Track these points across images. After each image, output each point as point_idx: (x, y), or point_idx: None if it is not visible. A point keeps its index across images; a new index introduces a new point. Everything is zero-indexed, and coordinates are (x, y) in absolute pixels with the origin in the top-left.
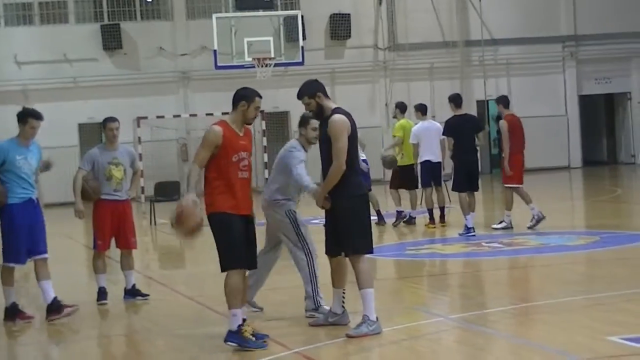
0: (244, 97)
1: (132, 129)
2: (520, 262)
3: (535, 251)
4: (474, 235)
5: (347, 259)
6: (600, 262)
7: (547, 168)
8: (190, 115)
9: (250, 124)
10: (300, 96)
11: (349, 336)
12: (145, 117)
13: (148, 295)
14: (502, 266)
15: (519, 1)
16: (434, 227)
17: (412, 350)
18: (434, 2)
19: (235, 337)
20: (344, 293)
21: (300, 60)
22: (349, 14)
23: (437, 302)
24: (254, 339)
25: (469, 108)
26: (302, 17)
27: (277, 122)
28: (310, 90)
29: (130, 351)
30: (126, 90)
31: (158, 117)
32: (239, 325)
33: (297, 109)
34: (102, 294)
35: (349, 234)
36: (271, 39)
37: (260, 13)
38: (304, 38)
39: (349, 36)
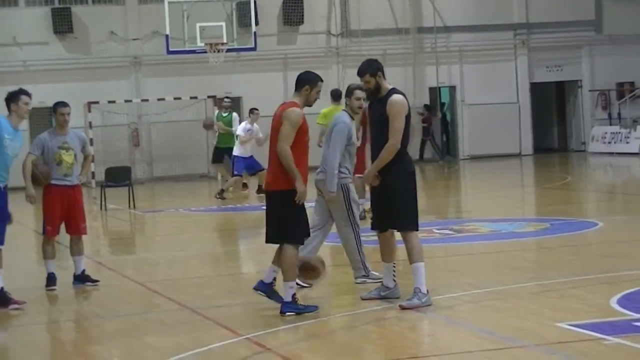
0: (308, 81)
1: (83, 114)
2: (470, 249)
3: (486, 238)
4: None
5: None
6: (549, 249)
7: (499, 155)
8: (142, 100)
9: (311, 106)
10: (361, 74)
11: (402, 307)
12: (97, 102)
13: (98, 281)
14: (453, 253)
15: None
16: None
17: (362, 336)
18: None
19: (292, 306)
20: (394, 267)
21: (253, 45)
22: (302, 0)
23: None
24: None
25: (421, 95)
26: (254, 2)
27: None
28: (372, 69)
29: (80, 337)
30: (77, 74)
31: (109, 102)
32: (293, 295)
33: (249, 94)
34: (51, 279)
35: (404, 210)
36: (224, 24)
37: None
38: (256, 23)
39: (302, 22)
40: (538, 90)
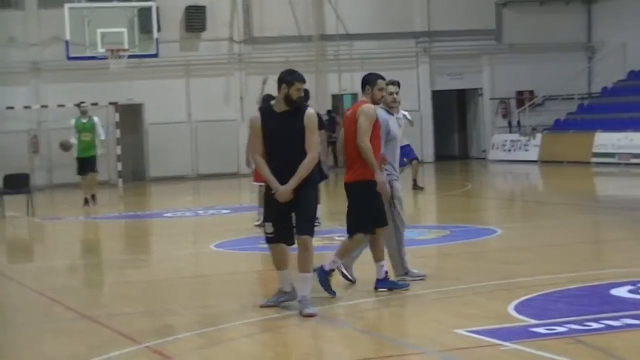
0: (367, 82)
1: None
2: (370, 256)
3: None
4: (319, 224)
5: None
6: (450, 256)
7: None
8: (42, 106)
9: (378, 104)
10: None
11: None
12: None
13: None
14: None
15: None
16: None
17: (264, 344)
18: None
19: (385, 283)
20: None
21: (155, 52)
22: (204, 6)
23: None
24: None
25: (324, 102)
26: (156, 8)
27: (131, 114)
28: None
29: None
30: None
31: (8, 107)
32: (386, 272)
33: (151, 101)
34: None
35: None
36: (125, 30)
37: (114, 4)
38: (158, 30)
39: (205, 28)
40: (439, 98)
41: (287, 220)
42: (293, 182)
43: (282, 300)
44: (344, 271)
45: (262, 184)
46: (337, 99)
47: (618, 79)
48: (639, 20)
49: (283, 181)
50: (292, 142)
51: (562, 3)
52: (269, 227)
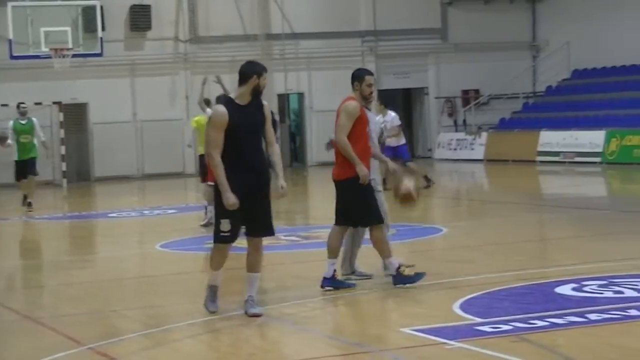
0: (356, 77)
1: None
2: (317, 256)
3: None
4: None
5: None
6: (396, 255)
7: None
8: None
9: (368, 100)
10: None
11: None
12: None
13: None
14: (300, 259)
15: None
16: None
17: (208, 344)
18: None
19: (402, 279)
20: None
21: (99, 51)
22: (149, 5)
23: (235, 296)
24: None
25: (270, 102)
26: (101, 7)
27: (75, 113)
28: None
29: None
30: None
31: None
32: (397, 268)
33: (96, 101)
34: None
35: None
36: (69, 29)
37: (58, 2)
38: (103, 29)
39: (150, 28)
40: (385, 97)
41: (241, 220)
42: (282, 179)
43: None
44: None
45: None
46: (283, 98)
47: (562, 78)
48: (583, 19)
49: (254, 176)
50: (258, 134)
51: (507, 2)
52: (226, 225)
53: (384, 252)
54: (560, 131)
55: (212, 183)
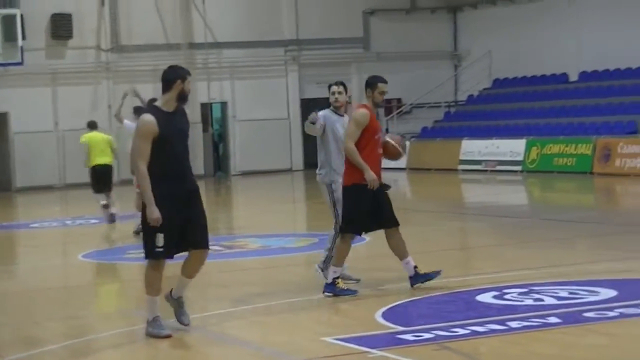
0: (368, 84)
1: None
2: (241, 265)
3: (256, 254)
4: None
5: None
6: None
7: (270, 171)
8: None
9: (381, 107)
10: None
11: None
12: None
13: None
14: (224, 269)
15: (243, 5)
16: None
17: (131, 354)
18: (157, 3)
19: (420, 277)
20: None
21: (20, 60)
22: (70, 14)
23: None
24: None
25: (193, 111)
26: (21, 16)
27: None
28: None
29: None
30: None
31: None
32: (415, 267)
33: (17, 110)
34: None
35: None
36: None
37: None
38: (23, 38)
39: (71, 36)
40: (308, 106)
41: (176, 233)
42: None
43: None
44: (347, 273)
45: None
46: (206, 107)
47: (484, 87)
48: (503, 29)
49: (185, 185)
50: (186, 142)
51: (429, 12)
52: (160, 240)
53: (337, 259)
54: (482, 140)
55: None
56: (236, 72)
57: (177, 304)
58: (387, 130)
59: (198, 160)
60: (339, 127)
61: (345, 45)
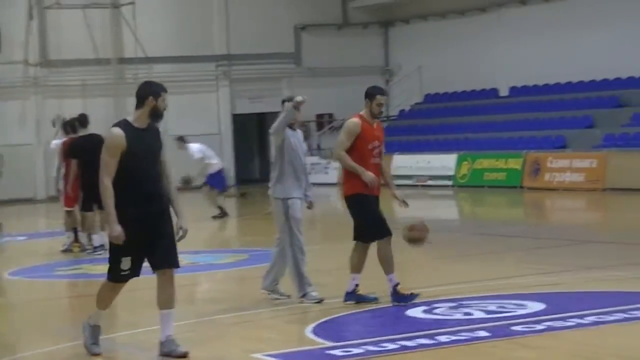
0: (367, 95)
1: None
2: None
3: (185, 270)
4: (100, 254)
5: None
6: (248, 280)
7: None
8: None
9: (376, 117)
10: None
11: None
12: None
13: None
14: (153, 285)
15: (174, 20)
16: (78, 247)
17: None
18: (87, 17)
19: (400, 297)
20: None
21: None
22: None
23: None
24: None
25: None
26: None
27: None
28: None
29: None
30: None
31: None
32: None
33: None
34: None
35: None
36: None
37: None
38: None
39: None
40: (240, 122)
41: (143, 255)
42: (184, 220)
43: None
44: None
45: (72, 208)
46: None
47: (415, 102)
48: (434, 44)
49: (153, 205)
50: (156, 160)
51: (360, 27)
52: (127, 264)
53: (387, 267)
54: (413, 155)
55: (70, 209)
56: (167, 87)
57: (170, 345)
58: (318, 147)
59: None
60: (297, 142)
61: (276, 60)
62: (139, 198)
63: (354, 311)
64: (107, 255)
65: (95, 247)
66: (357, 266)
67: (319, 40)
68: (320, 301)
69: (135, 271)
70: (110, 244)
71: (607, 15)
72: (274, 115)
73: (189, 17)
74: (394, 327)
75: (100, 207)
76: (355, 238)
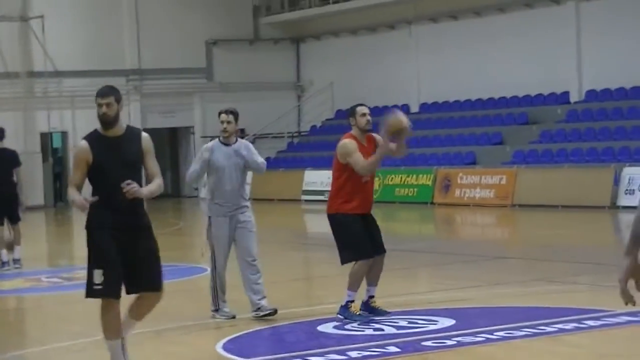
0: (349, 114)
1: None
2: (80, 297)
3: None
4: (8, 269)
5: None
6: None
7: None
8: None
9: (367, 132)
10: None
11: None
12: None
13: None
14: (64, 301)
15: (83, 34)
16: None
17: None
18: None
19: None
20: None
21: None
22: None
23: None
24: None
25: (33, 140)
26: None
27: None
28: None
29: None
30: None
31: None
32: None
33: None
34: None
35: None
36: None
37: None
38: None
39: None
40: (151, 136)
41: (118, 269)
42: (147, 191)
43: None
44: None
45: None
46: (46, 137)
47: (326, 118)
48: (345, 60)
49: (128, 219)
50: (131, 170)
51: (272, 43)
52: (99, 277)
53: (351, 284)
54: (324, 170)
55: None
56: (77, 102)
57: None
58: None
59: (38, 190)
60: (223, 158)
61: (188, 75)
62: (109, 209)
63: (265, 327)
64: (17, 270)
65: (4, 263)
66: (369, 277)
67: (230, 55)
68: (233, 317)
69: (111, 287)
70: (88, 259)
71: (517, 33)
72: (186, 130)
73: (100, 31)
74: (304, 343)
75: (12, 221)
76: (345, 260)
